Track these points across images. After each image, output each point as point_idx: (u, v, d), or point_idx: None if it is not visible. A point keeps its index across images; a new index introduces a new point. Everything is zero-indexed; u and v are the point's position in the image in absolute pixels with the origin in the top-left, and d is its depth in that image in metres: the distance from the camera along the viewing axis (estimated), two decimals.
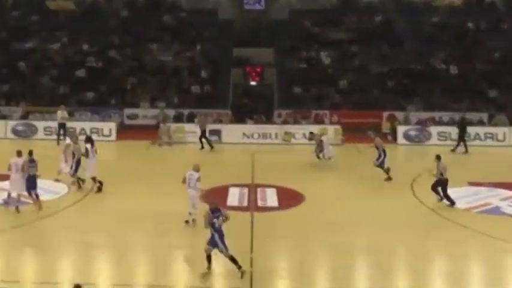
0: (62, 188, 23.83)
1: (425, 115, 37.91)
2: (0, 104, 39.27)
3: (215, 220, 15.84)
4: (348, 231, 19.79)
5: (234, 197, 23.45)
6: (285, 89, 41.03)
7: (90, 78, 41.22)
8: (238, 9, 47.61)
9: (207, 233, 16.14)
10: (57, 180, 24.37)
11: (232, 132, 35.08)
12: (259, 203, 22.98)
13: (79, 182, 23.83)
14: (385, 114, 38.13)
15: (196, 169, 19.93)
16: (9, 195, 21.48)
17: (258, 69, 44.25)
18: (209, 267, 15.99)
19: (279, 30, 45.27)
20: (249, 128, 35.64)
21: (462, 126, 32.95)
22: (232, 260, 15.91)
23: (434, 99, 39.94)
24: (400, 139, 34.81)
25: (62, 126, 33.09)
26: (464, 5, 45.98)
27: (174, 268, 16.38)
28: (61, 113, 33.44)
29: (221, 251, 15.89)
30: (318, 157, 28.81)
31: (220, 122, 36.78)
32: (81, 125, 34.63)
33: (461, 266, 17.58)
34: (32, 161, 21.38)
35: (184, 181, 19.86)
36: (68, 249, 18.21)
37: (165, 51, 43.56)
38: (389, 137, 34.89)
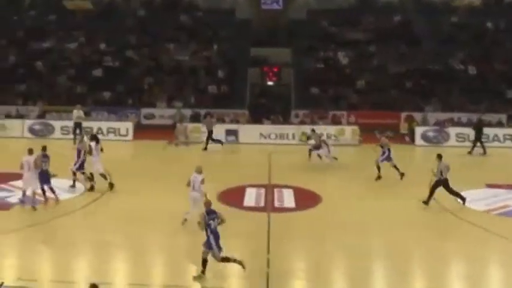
0: (79, 188, 23.84)
1: (443, 116, 37.71)
2: (18, 103, 39.55)
3: (211, 222, 15.72)
4: (365, 232, 19.64)
5: (250, 197, 23.30)
6: (302, 89, 40.94)
7: (107, 77, 41.37)
8: (256, 8, 47.66)
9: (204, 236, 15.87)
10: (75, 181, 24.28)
11: (249, 132, 35.03)
12: (276, 204, 22.86)
13: (88, 178, 23.75)
14: (403, 114, 38.01)
15: (199, 171, 19.58)
16: (24, 193, 21.57)
17: (275, 69, 44.19)
18: (203, 271, 15.77)
19: (297, 30, 45.18)
20: (266, 128, 35.59)
21: (479, 128, 32.64)
22: (227, 260, 15.75)
23: (453, 100, 39.68)
24: (418, 140, 34.59)
25: (78, 125, 33.21)
26: (483, 5, 45.68)
27: (191, 268, 16.29)
28: (77, 112, 33.57)
29: (213, 256, 15.70)
30: (319, 156, 28.70)
31: (237, 122, 36.74)
32: (98, 125, 34.81)
33: (480, 269, 17.35)
34: (44, 156, 21.63)
35: (189, 184, 19.53)
36: (84, 248, 18.17)
37: (182, 51, 43.63)
38: (407, 138, 34.76)
